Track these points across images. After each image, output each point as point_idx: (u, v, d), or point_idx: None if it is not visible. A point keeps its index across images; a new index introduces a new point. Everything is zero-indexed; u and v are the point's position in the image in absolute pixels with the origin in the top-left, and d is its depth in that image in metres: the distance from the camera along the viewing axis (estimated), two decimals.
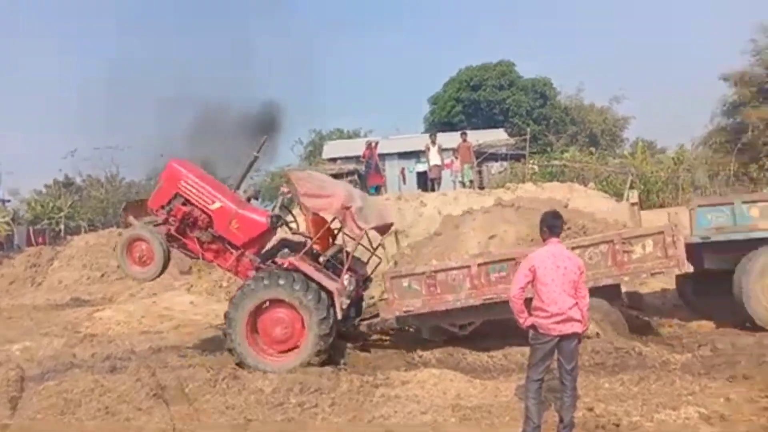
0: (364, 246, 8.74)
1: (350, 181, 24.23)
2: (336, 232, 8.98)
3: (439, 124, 37.14)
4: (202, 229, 8.30)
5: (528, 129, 28.11)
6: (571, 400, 4.86)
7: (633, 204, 12.13)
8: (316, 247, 8.37)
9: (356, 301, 8.46)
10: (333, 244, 8.89)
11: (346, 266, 7.86)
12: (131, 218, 8.55)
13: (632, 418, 5.08)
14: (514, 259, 7.16)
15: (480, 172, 23.33)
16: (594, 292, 6.66)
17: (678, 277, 8.48)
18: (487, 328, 7.89)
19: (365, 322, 8.41)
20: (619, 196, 16.90)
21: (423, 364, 7.56)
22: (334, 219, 8.20)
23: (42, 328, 10.84)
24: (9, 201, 37.62)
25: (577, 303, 4.80)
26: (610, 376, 6.24)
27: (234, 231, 8.20)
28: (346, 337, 8.46)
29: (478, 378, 6.72)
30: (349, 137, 39.89)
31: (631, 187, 17.30)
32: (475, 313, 7.64)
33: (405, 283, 7.58)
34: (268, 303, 7.64)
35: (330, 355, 7.68)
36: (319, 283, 7.52)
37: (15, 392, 7.13)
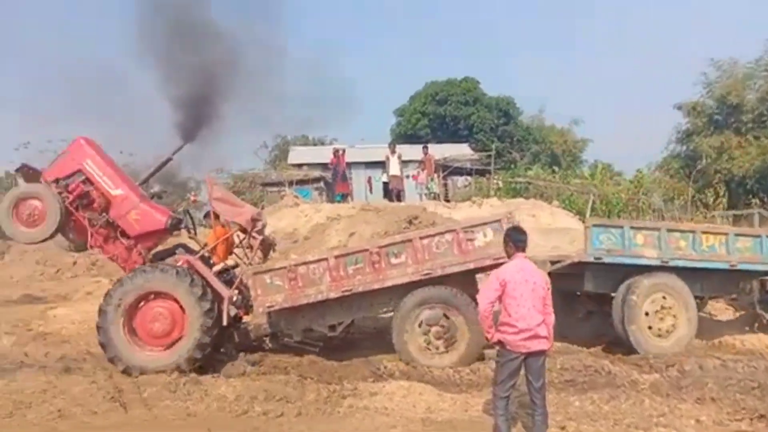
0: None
1: (316, 189, 24.13)
2: (232, 249, 8.96)
3: (405, 135, 37.38)
4: (96, 212, 8.07)
5: (493, 145, 28.52)
6: (542, 418, 4.83)
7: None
8: (214, 259, 8.41)
9: (234, 324, 8.37)
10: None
11: (236, 281, 7.97)
12: (21, 182, 8.28)
13: None
14: (367, 250, 7.54)
15: (446, 185, 23.53)
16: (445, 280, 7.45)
17: None
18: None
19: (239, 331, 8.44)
20: (581, 215, 17.29)
21: (389, 375, 7.45)
22: (234, 231, 8.38)
23: None
24: None
25: (544, 320, 4.79)
26: (580, 394, 6.23)
27: (131, 221, 8.00)
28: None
29: (448, 392, 6.64)
30: (314, 144, 39.64)
31: (593, 207, 17.73)
32: (342, 312, 7.89)
33: (267, 279, 7.66)
34: (149, 296, 7.52)
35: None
36: (210, 285, 7.58)
37: None
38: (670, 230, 8.26)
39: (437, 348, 7.50)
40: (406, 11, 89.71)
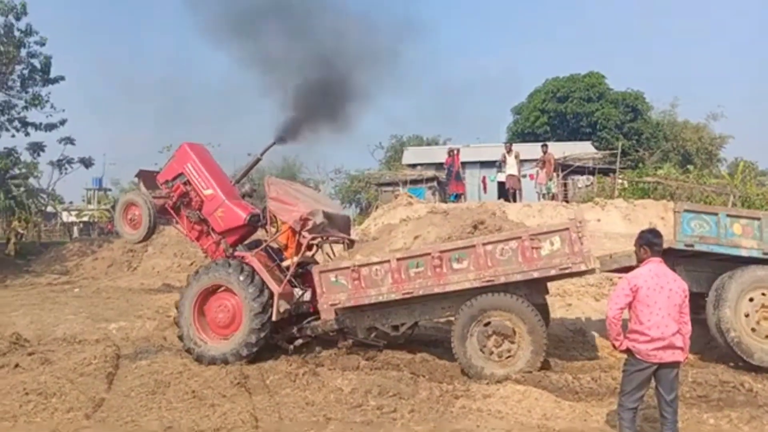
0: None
1: (429, 188, 24.20)
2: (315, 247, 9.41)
3: (522, 134, 36.44)
4: (193, 210, 8.88)
5: (618, 143, 26.94)
6: None
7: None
8: (287, 254, 8.87)
9: (305, 315, 8.60)
10: (310, 257, 9.34)
11: (290, 275, 8.30)
12: (141, 185, 9.21)
13: None
14: (429, 254, 7.42)
15: (565, 185, 22.58)
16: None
17: None
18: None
19: (307, 323, 8.51)
20: None
21: (503, 378, 7.29)
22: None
23: (136, 310, 11.35)
24: (110, 190, 40.39)
25: (680, 329, 4.45)
26: (715, 411, 5.71)
27: (217, 218, 8.75)
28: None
29: (565, 399, 6.36)
30: (428, 144, 39.83)
31: None
32: (404, 314, 7.90)
33: (332, 277, 7.79)
34: (216, 289, 8.26)
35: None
36: (263, 281, 8.00)
37: (111, 369, 7.51)
38: None
39: (499, 356, 7.24)
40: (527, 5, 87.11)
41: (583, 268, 7.05)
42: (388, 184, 25.14)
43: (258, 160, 9.91)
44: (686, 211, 7.47)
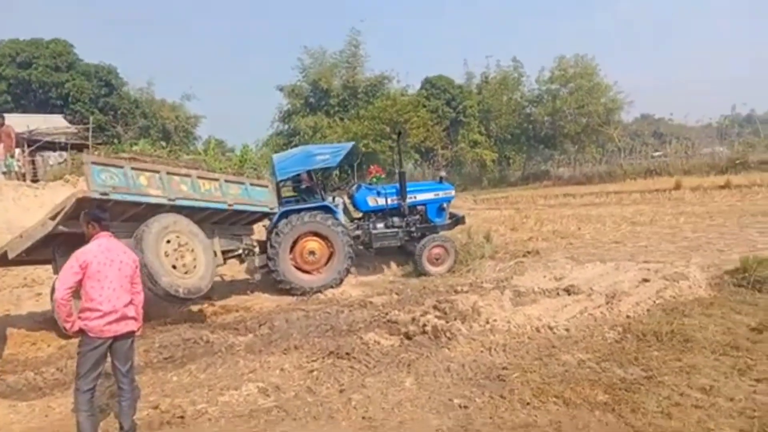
0: None
1: None
2: None
3: None
4: None
5: (91, 117, 25.76)
6: (129, 402, 4.54)
7: None
8: None
9: None
10: None
11: None
12: None
13: (197, 406, 5.10)
14: None
15: (33, 162, 20.24)
16: None
17: None
18: None
19: None
20: None
21: None
22: None
23: None
24: None
25: (132, 299, 4.55)
26: (179, 368, 6.14)
27: None
28: None
29: (25, 400, 5.69)
30: None
31: None
32: None
33: None
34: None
35: None
36: None
37: None
38: (170, 173, 8.32)
39: None
40: None
41: None
42: None
43: None
44: (94, 163, 7.47)
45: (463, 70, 41.43)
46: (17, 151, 18.20)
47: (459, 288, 8.93)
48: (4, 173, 15.95)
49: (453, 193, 11.77)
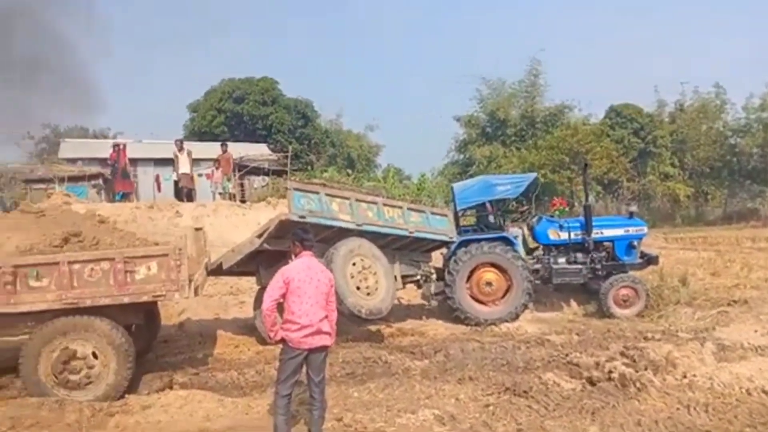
0: None
1: (94, 186, 21.71)
2: None
3: (200, 133, 35.64)
4: None
5: (290, 146, 28.59)
6: (319, 412, 4.89)
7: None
8: None
9: None
10: None
11: None
12: None
13: (376, 424, 5.32)
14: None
15: (242, 185, 22.94)
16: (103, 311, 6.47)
17: None
18: None
19: None
20: None
21: (166, 386, 6.96)
22: None
23: None
24: None
25: (327, 316, 4.90)
26: (359, 385, 6.49)
27: None
28: None
29: (229, 396, 6.41)
30: (95, 137, 35.77)
31: None
32: None
33: None
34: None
35: None
36: None
37: None
38: (358, 200, 8.89)
39: (78, 382, 6.44)
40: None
41: (177, 296, 6.73)
42: (41, 181, 21.64)
43: None
44: (296, 189, 8.26)
45: (653, 98, 38.01)
46: (231, 175, 20.83)
47: (649, 335, 8.21)
48: (220, 194, 18.38)
49: (645, 230, 10.93)
